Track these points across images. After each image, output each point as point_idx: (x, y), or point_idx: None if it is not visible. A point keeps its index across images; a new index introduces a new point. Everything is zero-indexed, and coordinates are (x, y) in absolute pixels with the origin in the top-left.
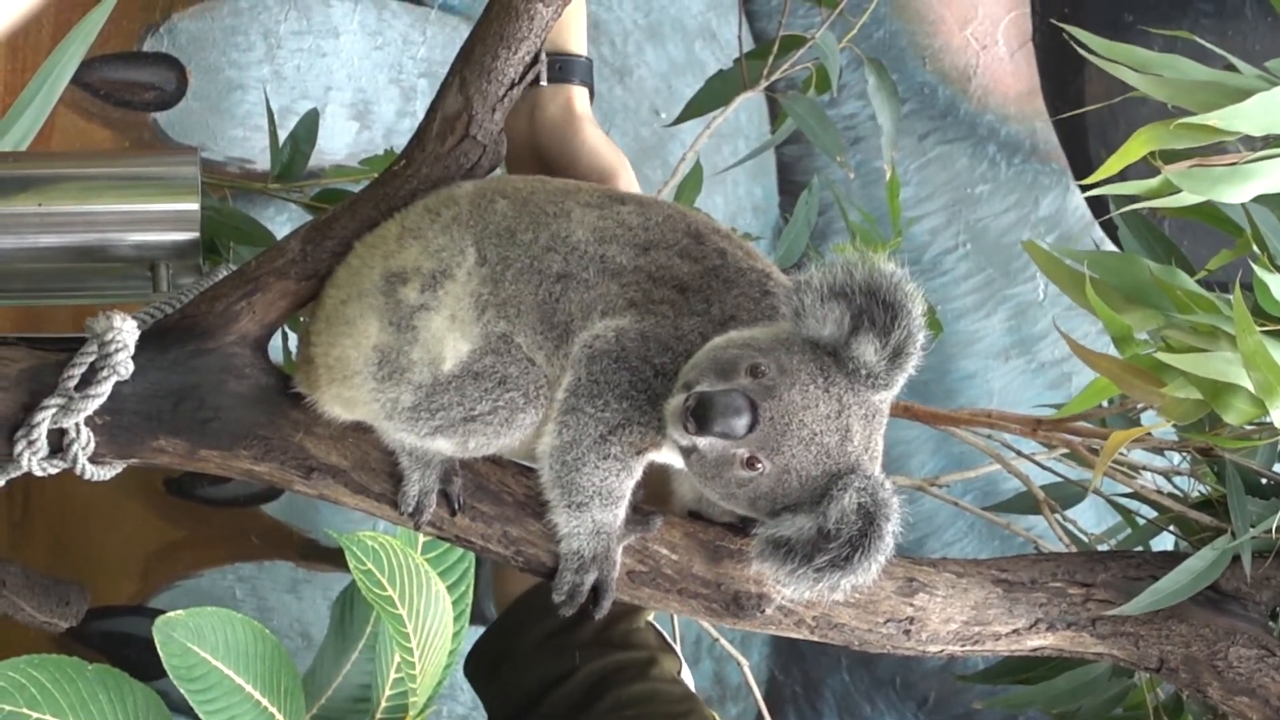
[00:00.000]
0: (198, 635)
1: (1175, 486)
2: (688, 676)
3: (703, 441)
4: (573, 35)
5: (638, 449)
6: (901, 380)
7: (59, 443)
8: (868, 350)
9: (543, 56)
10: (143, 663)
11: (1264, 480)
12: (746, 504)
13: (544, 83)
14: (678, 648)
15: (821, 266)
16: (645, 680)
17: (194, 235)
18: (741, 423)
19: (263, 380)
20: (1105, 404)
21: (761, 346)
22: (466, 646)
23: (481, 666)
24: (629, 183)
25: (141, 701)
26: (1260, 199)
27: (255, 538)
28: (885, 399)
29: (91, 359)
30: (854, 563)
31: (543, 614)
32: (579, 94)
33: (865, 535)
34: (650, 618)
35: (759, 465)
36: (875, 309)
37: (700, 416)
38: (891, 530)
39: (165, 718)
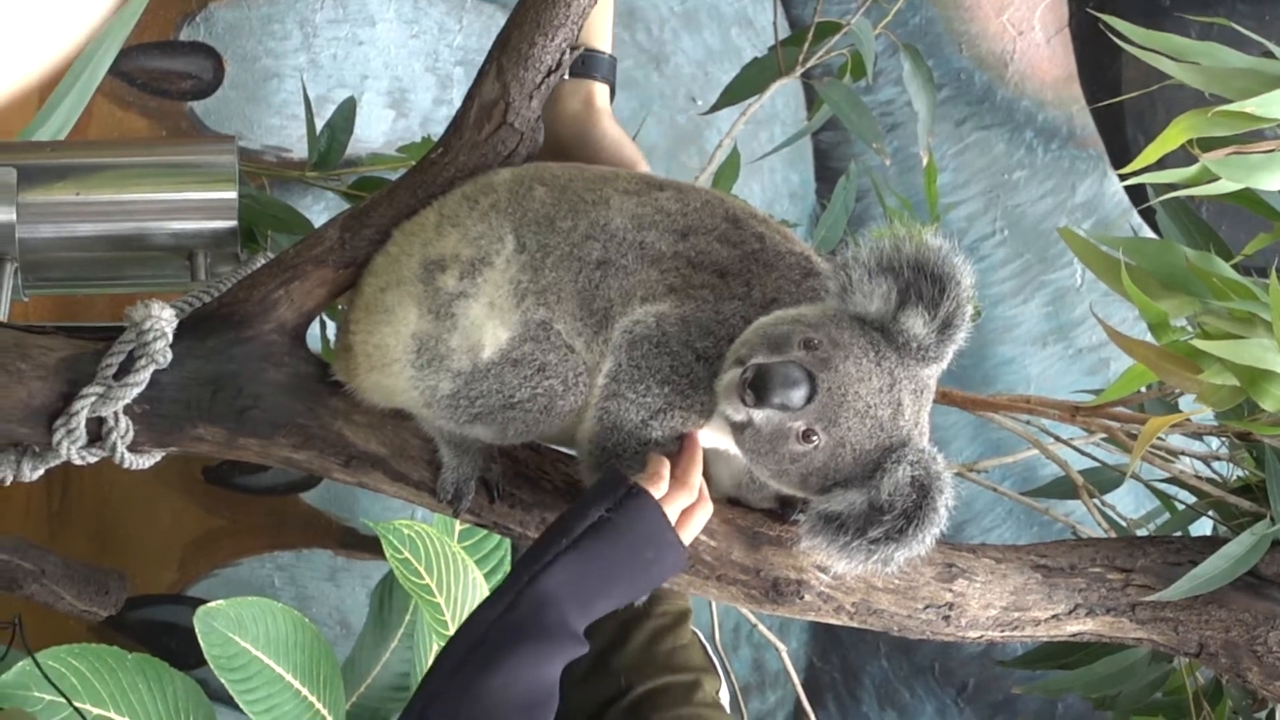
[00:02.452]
0: (238, 625)
1: (1214, 471)
2: (725, 695)
3: (759, 415)
4: (597, 32)
5: (678, 434)
6: (951, 352)
7: (98, 431)
8: (916, 323)
9: (580, 50)
10: (181, 651)
11: None
12: (798, 481)
13: (565, 76)
14: (716, 634)
15: (868, 243)
16: (688, 704)
17: (232, 223)
18: (800, 393)
19: (301, 368)
20: (1144, 389)
21: (812, 322)
22: None
23: None
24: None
25: (181, 691)
26: None
27: (294, 523)
28: (933, 374)
29: (130, 348)
30: (908, 534)
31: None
32: (600, 90)
33: (920, 507)
34: (695, 630)
35: (814, 438)
36: (923, 283)
37: (759, 388)
38: (945, 503)
39: (204, 706)
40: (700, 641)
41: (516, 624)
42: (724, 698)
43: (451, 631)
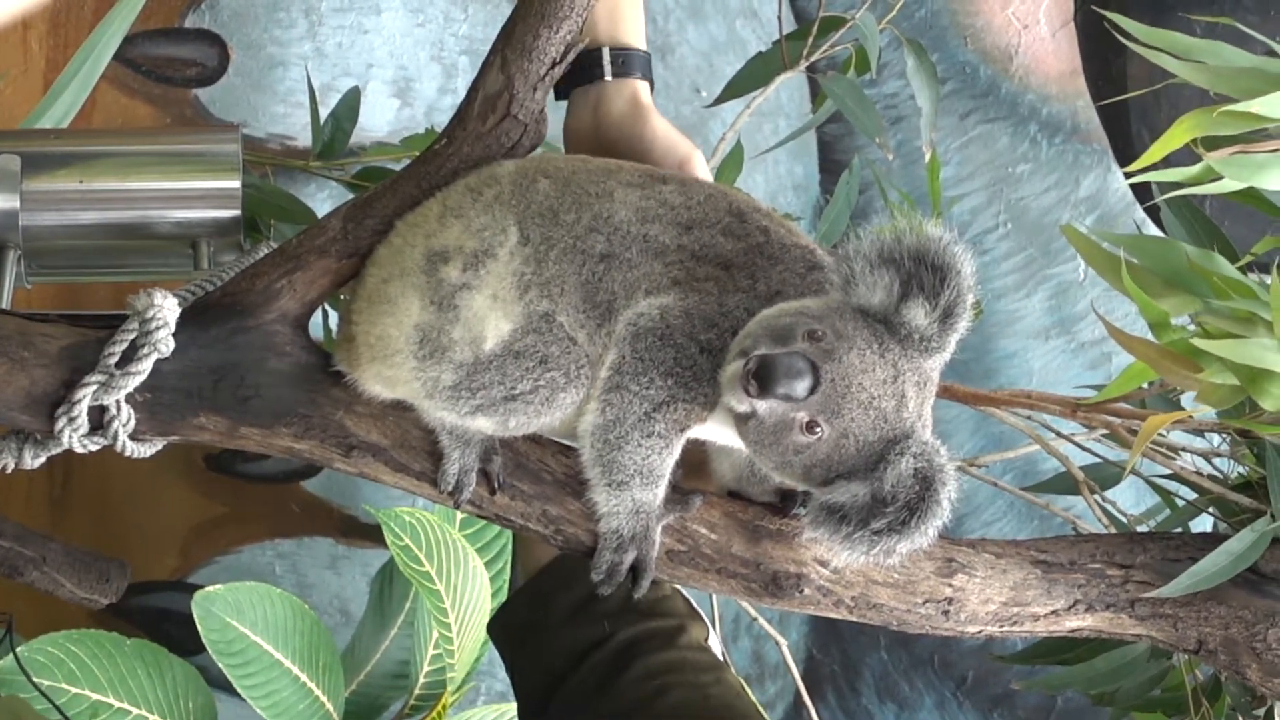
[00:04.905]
0: (237, 610)
1: (1215, 468)
2: (715, 643)
3: (762, 406)
4: (631, 29)
5: (681, 426)
6: (953, 342)
7: (100, 420)
8: (918, 314)
9: (605, 50)
10: (182, 638)
11: None
12: (801, 472)
13: (608, 77)
14: (717, 625)
15: (870, 235)
16: (673, 648)
17: (235, 212)
18: (804, 384)
19: (303, 358)
20: (1145, 385)
21: (815, 314)
22: None
23: (509, 634)
24: (702, 169)
25: (180, 676)
26: None
27: (295, 510)
28: (936, 366)
29: (132, 336)
30: (911, 526)
31: (570, 582)
32: (643, 88)
33: (923, 499)
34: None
35: (818, 430)
36: (924, 273)
37: (762, 378)
38: (948, 495)
39: (204, 693)
40: (683, 594)
41: None
42: (714, 644)
43: (452, 620)
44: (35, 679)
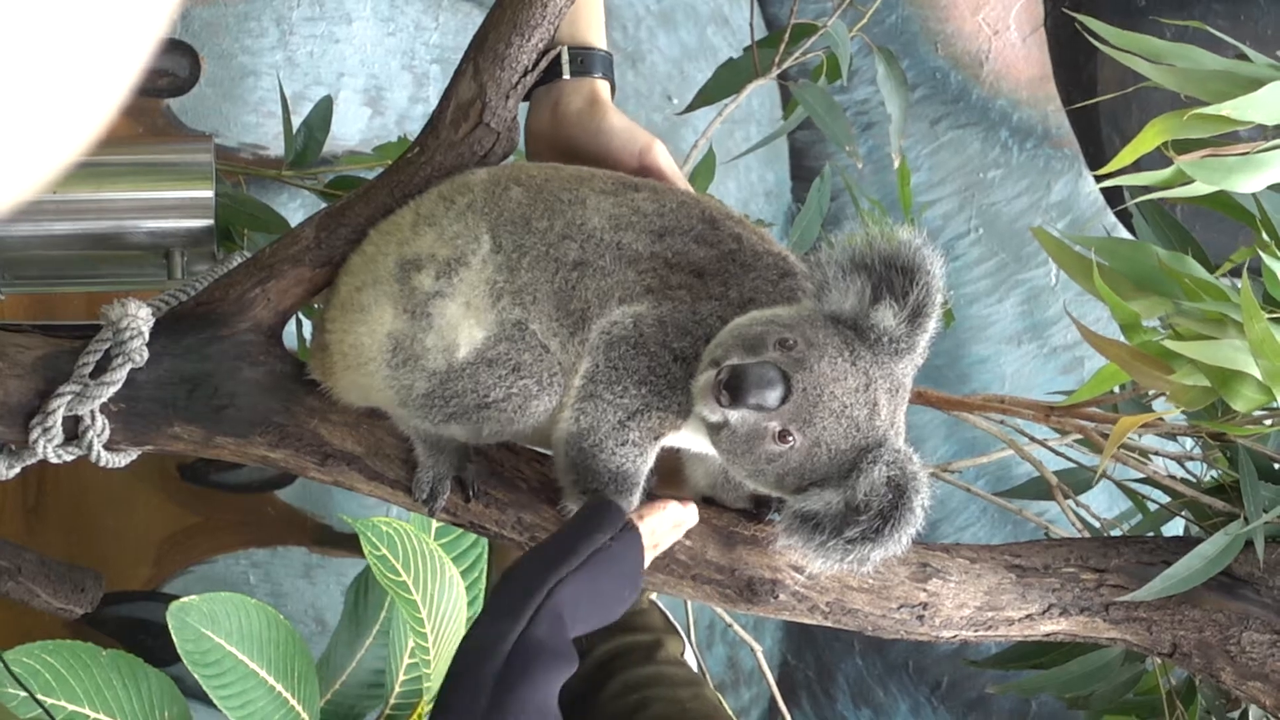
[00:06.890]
0: (212, 621)
1: (1188, 471)
2: (690, 658)
3: (734, 415)
4: (592, 28)
5: (655, 434)
6: (923, 342)
7: (74, 430)
8: (887, 315)
9: (564, 49)
10: (157, 648)
11: (1276, 465)
12: (774, 480)
13: (566, 75)
14: (692, 632)
15: (842, 242)
16: (651, 663)
17: (208, 222)
18: (775, 394)
19: (277, 367)
20: (1118, 389)
21: (787, 322)
22: None
23: None
24: (663, 156)
25: (155, 687)
26: (1272, 187)
27: (270, 520)
28: (908, 371)
29: (106, 346)
30: (885, 534)
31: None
32: (601, 86)
33: (896, 507)
34: (654, 597)
35: (790, 439)
36: (894, 276)
37: (734, 389)
38: (921, 503)
39: (179, 703)
40: (660, 608)
41: (539, 642)
42: (689, 659)
43: (428, 629)
44: (10, 690)
